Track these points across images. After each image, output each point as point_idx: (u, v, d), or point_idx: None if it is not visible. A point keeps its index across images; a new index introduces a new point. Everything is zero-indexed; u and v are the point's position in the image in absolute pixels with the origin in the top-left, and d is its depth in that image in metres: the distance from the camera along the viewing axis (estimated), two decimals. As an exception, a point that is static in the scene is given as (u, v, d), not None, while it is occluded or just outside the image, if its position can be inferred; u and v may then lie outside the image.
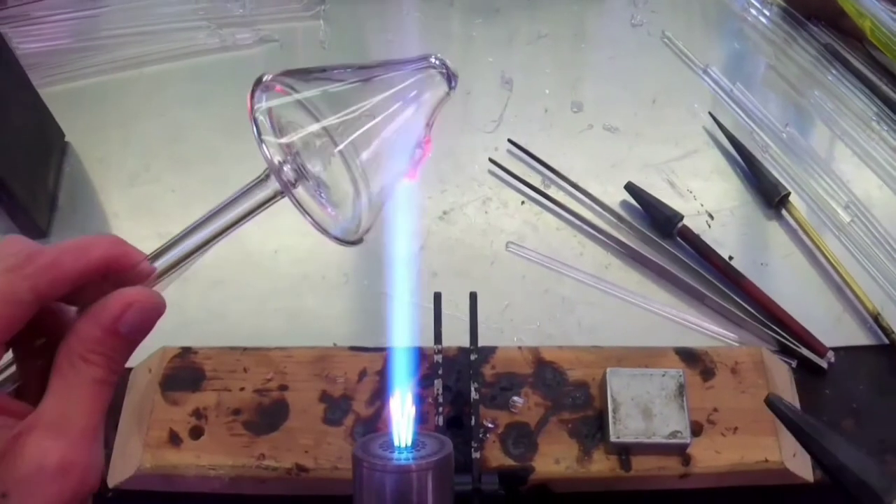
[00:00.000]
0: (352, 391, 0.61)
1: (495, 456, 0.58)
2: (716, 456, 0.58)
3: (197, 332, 0.67)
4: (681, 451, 0.58)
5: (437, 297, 0.60)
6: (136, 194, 0.79)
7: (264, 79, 0.42)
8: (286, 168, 0.41)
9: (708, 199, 0.79)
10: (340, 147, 0.43)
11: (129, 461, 0.59)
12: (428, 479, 0.37)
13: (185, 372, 0.62)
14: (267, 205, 0.43)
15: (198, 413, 0.60)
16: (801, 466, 0.59)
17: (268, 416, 0.60)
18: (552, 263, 0.74)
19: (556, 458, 0.58)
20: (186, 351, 0.63)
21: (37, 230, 0.75)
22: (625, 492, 0.60)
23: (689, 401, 0.58)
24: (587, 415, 0.60)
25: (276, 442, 0.59)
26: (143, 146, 0.83)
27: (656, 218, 0.76)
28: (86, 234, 0.75)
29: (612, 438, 0.57)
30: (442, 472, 0.37)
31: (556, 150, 0.82)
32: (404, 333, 0.50)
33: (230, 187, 0.42)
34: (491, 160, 0.80)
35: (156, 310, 0.39)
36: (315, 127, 0.43)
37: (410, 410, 0.38)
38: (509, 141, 0.82)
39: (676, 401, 0.58)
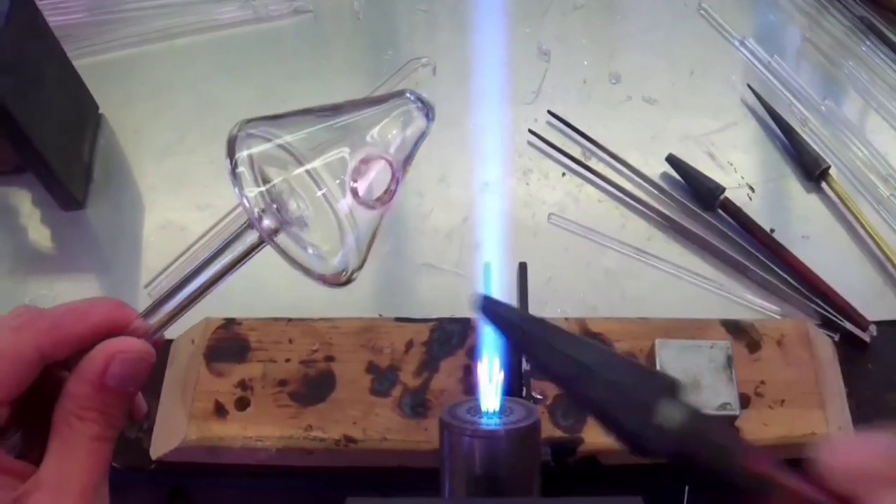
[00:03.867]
0: (399, 362, 0.60)
1: (545, 427, 0.57)
2: (764, 428, 0.58)
3: (239, 302, 0.66)
4: (730, 424, 0.57)
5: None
6: (171, 166, 0.79)
7: (237, 131, 0.42)
8: (266, 222, 0.42)
9: (748, 172, 0.78)
10: (323, 192, 0.44)
11: (173, 433, 0.58)
12: (517, 444, 0.37)
13: (229, 343, 0.61)
14: (253, 254, 0.44)
15: (243, 384, 0.60)
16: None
17: (314, 387, 0.60)
18: (594, 235, 0.73)
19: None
20: (230, 322, 0.62)
21: (73, 202, 0.75)
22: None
23: (737, 373, 0.58)
24: (636, 386, 0.60)
25: (323, 413, 0.58)
26: (176, 118, 0.82)
27: (698, 190, 0.75)
28: (120, 207, 0.75)
29: (663, 410, 0.57)
30: (530, 438, 0.37)
31: (595, 121, 0.81)
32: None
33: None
34: (531, 131, 0.80)
35: (143, 358, 0.39)
36: (293, 173, 0.43)
37: (498, 377, 0.37)
38: (549, 112, 0.81)
39: (725, 373, 0.58)
